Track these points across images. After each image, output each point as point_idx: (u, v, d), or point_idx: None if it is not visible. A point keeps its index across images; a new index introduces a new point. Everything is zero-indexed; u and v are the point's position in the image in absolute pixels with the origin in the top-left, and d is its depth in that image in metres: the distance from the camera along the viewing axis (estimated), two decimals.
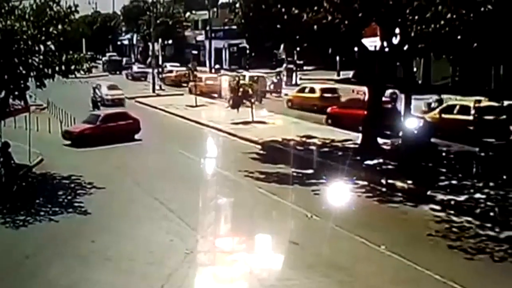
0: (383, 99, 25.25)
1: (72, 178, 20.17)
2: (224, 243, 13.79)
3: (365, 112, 23.53)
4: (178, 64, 58.84)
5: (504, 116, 23.82)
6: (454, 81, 39.29)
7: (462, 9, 18.45)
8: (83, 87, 34.61)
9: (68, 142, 26.19)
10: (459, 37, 19.48)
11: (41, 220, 15.94)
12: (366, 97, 24.15)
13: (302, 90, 36.29)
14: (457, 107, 24.86)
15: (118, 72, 62.07)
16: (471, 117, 23.77)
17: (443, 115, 24.78)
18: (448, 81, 39.13)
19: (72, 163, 22.65)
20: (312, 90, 35.08)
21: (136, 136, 27.16)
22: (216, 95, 41.57)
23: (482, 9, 18.07)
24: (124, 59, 71.73)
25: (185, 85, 47.23)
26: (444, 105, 26.33)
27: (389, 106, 26.92)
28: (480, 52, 23.22)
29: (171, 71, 54.32)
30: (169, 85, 50.41)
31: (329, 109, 29.81)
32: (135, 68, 62.38)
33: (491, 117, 23.71)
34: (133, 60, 76.32)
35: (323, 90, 34.62)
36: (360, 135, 23.76)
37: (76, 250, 13.51)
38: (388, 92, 28.44)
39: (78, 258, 13.02)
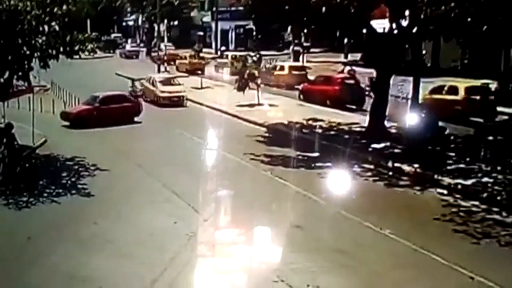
0: (344, 75, 31.40)
1: (76, 160, 20.09)
2: (226, 227, 13.66)
3: (334, 88, 29.03)
4: (170, 44, 62.55)
5: (492, 97, 24.77)
6: (463, 64, 38.83)
7: None
8: (87, 68, 34.53)
9: (68, 124, 26.09)
10: (469, 19, 19.15)
11: (44, 201, 15.87)
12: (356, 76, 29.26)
13: (274, 68, 39.52)
14: (446, 87, 25.38)
15: (112, 51, 65.91)
16: (459, 97, 24.30)
17: (433, 96, 25.16)
18: (458, 64, 38.67)
19: (76, 144, 22.57)
20: (282, 68, 38.92)
21: (141, 119, 27.02)
22: (200, 72, 45.07)
23: None
24: (117, 39, 75.84)
25: (172, 63, 51.39)
26: (434, 85, 26.33)
27: (352, 82, 30.20)
28: (490, 35, 22.88)
29: (161, 50, 56.78)
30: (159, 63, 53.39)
31: (301, 86, 33.16)
32: (127, 47, 67.51)
33: (477, 97, 24.32)
34: (131, 40, 77.62)
35: (291, 68, 39.02)
36: (367, 118, 23.55)
37: (78, 233, 13.42)
38: (346, 68, 34.78)
39: (80, 241, 12.93)
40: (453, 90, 24.93)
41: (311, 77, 35.31)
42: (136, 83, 34.19)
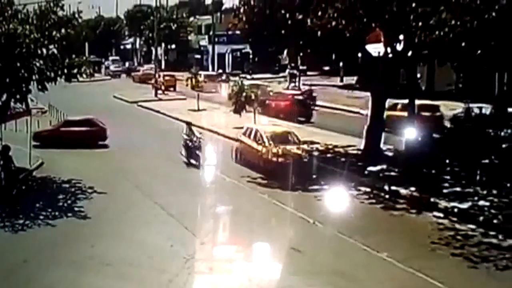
0: (297, 92, 35.19)
1: (72, 182, 20.07)
2: (224, 250, 13.65)
3: (286, 103, 32.23)
4: (152, 66, 65.14)
5: (439, 113, 27.71)
6: (458, 88, 39.17)
7: (466, 16, 18.37)
8: (84, 90, 34.52)
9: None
10: (463, 44, 19.41)
11: (40, 224, 15.84)
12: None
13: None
14: (399, 105, 27.14)
15: (97, 69, 67.44)
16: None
17: (388, 112, 26.46)
18: (452, 88, 39.02)
19: (73, 166, 22.55)
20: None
21: (144, 139, 27.13)
22: (172, 89, 51.01)
23: (486, 16, 18.01)
24: (106, 61, 78.06)
25: (150, 82, 53.55)
26: (390, 103, 28.15)
27: (301, 97, 34.33)
28: (484, 59, 23.17)
29: (138, 70, 63.86)
30: (138, 82, 58.40)
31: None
32: (112, 67, 71.88)
33: (428, 114, 26.40)
34: (112, 61, 78.60)
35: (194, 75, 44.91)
36: (363, 140, 23.67)
37: (75, 255, 13.38)
38: (306, 88, 39.03)
39: (77, 263, 12.89)
40: (405, 107, 25.72)
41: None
42: (194, 129, 24.02)
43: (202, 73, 52.39)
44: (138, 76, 60.62)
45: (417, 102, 24.68)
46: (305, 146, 21.87)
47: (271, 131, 22.63)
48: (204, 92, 42.78)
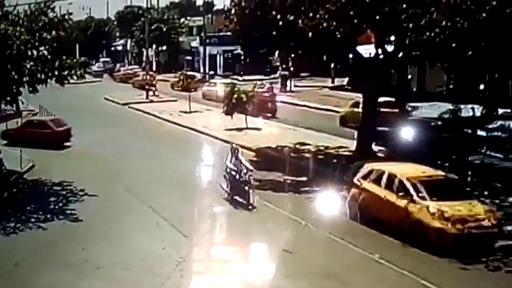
0: (263, 90, 37.04)
1: (64, 185, 19.98)
2: (217, 252, 13.63)
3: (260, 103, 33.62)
4: (137, 67, 69.83)
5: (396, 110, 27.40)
6: (448, 89, 39.32)
7: (456, 17, 18.46)
8: (75, 92, 34.35)
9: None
10: (453, 45, 19.49)
11: (32, 227, 15.77)
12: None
13: None
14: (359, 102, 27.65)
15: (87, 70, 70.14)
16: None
17: (351, 109, 28.36)
18: (443, 89, 39.16)
19: (64, 169, 22.46)
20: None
21: (135, 140, 26.88)
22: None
23: (476, 17, 18.11)
24: (97, 62, 79.88)
25: (130, 81, 58.07)
26: (353, 101, 29.61)
27: (267, 95, 37.01)
28: (474, 60, 23.28)
29: (119, 71, 66.67)
30: (119, 82, 61.29)
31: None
32: (94, 67, 73.40)
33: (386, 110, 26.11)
34: (95, 62, 79.67)
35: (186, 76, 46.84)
36: (355, 142, 23.73)
37: (66, 258, 13.34)
38: (267, 85, 40.62)
39: (69, 266, 12.84)
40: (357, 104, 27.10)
41: None
42: (240, 155, 18.07)
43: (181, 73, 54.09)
44: (119, 76, 64.46)
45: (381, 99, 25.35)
46: (490, 208, 14.29)
47: (416, 175, 14.57)
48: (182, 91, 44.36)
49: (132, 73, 61.67)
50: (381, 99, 24.44)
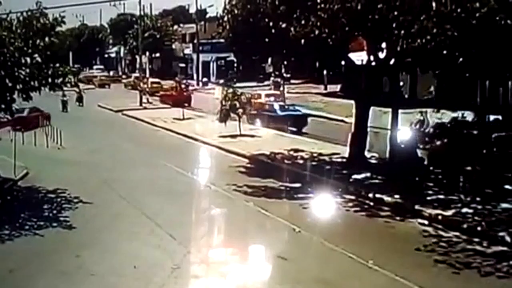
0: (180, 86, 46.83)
1: (58, 192, 19.97)
2: (211, 259, 13.67)
3: (173, 93, 47.38)
4: (112, 73, 77.84)
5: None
6: (439, 95, 39.53)
7: (447, 25, 18.61)
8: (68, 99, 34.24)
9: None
10: (444, 52, 19.64)
11: (26, 234, 15.73)
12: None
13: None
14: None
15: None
16: None
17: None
18: (433, 96, 39.39)
19: (58, 176, 22.44)
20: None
21: (129, 147, 27.12)
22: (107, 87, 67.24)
23: (467, 24, 18.25)
24: (90, 70, 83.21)
25: (107, 86, 67.26)
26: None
27: (185, 93, 46.67)
28: (465, 67, 23.42)
29: (96, 77, 71.89)
30: (97, 87, 67.06)
31: (160, 93, 51.36)
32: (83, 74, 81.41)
33: None
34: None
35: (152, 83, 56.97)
36: (347, 148, 23.85)
37: (60, 265, 13.32)
38: (184, 80, 51.11)
39: (63, 273, 12.84)
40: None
41: None
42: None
43: (134, 75, 65.28)
44: (97, 82, 70.70)
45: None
46: None
47: None
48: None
49: (108, 80, 71.38)
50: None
